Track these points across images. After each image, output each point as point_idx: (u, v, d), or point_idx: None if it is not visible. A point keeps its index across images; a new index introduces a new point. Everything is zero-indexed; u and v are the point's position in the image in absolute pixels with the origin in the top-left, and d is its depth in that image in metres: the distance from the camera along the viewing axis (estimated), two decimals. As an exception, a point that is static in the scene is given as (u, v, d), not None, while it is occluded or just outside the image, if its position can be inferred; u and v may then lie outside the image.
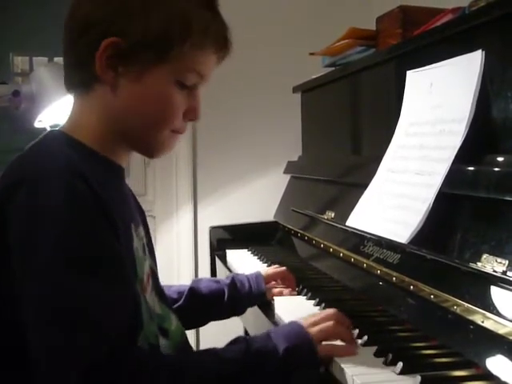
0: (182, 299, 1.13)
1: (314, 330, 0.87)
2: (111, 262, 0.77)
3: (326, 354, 0.86)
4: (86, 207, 0.76)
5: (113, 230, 0.80)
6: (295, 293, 1.23)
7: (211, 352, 0.82)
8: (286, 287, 1.25)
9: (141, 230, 0.96)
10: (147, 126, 0.88)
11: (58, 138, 0.87)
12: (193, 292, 1.16)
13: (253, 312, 1.22)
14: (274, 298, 1.19)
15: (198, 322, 1.22)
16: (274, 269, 1.28)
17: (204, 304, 1.16)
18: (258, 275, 1.23)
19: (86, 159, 0.83)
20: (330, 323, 0.88)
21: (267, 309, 1.17)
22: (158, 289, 0.99)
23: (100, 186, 0.79)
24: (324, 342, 0.87)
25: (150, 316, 0.89)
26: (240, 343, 0.83)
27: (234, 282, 1.19)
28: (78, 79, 0.88)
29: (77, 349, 0.70)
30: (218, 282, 1.21)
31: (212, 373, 0.78)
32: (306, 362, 0.84)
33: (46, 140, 0.87)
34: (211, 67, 0.90)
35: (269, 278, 1.25)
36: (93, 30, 0.83)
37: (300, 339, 0.84)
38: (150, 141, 0.90)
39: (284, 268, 1.28)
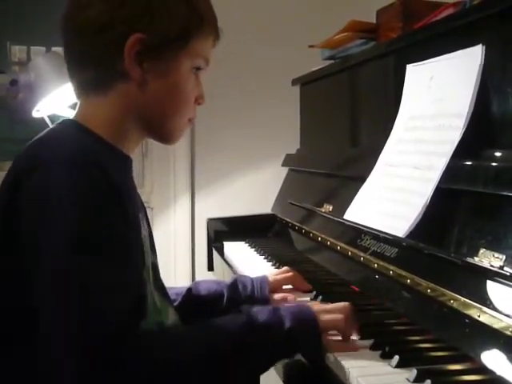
0: (179, 300, 1.12)
1: (324, 317, 0.86)
2: (122, 248, 0.78)
3: (327, 344, 0.86)
4: (99, 193, 0.77)
5: (124, 217, 0.81)
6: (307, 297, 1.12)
7: (214, 324, 0.82)
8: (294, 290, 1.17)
9: (144, 222, 0.97)
10: (171, 117, 0.92)
11: (71, 126, 0.88)
12: (190, 293, 1.14)
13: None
14: None
15: None
16: (283, 274, 1.19)
17: (201, 306, 1.13)
18: (263, 279, 1.15)
19: (98, 148, 0.84)
20: (341, 316, 0.87)
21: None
22: (158, 282, 0.99)
23: (112, 174, 0.80)
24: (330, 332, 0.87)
25: (153, 307, 0.90)
26: (243, 316, 0.83)
27: (236, 284, 1.14)
28: (94, 77, 0.88)
29: (86, 332, 0.70)
30: (218, 283, 1.16)
31: (215, 346, 0.77)
32: (307, 347, 0.85)
33: (59, 127, 0.88)
34: (211, 52, 0.95)
35: (276, 284, 1.16)
36: (114, 29, 0.84)
37: (306, 321, 0.84)
38: (171, 129, 0.94)
39: (292, 274, 1.18)
